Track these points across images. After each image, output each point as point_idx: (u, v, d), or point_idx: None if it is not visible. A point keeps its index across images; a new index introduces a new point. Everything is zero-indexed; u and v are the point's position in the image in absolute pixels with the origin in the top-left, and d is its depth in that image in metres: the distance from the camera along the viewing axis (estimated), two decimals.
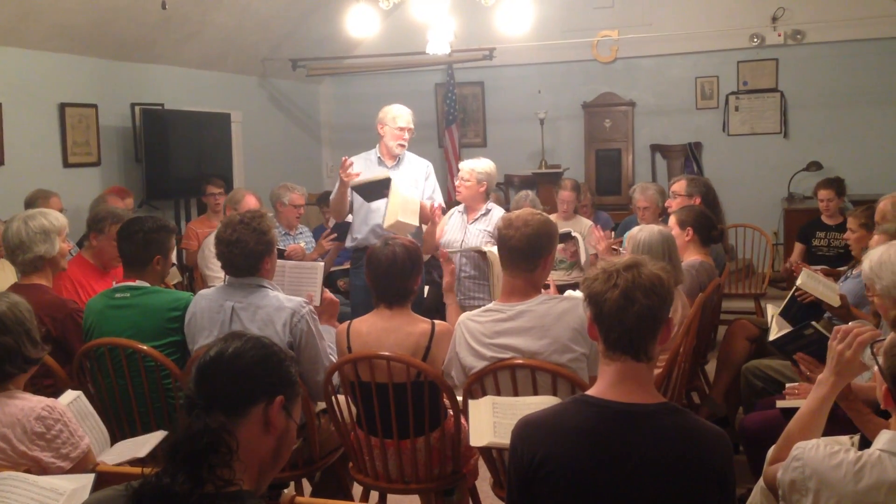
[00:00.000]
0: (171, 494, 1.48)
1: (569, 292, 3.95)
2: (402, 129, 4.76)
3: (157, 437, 2.83)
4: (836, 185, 5.95)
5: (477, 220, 4.83)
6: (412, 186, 4.80)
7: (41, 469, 2.35)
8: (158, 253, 3.38)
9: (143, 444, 2.78)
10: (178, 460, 1.50)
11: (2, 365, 2.43)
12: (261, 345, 1.70)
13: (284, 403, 1.67)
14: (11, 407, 2.38)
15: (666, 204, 5.23)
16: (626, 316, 1.88)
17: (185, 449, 1.51)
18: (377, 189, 4.64)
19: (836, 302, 3.58)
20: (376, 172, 4.75)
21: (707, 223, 4.36)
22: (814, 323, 2.89)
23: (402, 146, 4.80)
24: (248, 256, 3.11)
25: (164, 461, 1.52)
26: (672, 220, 4.37)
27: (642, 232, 3.77)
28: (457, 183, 4.96)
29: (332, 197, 4.98)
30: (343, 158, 4.63)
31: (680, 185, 5.25)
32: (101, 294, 3.44)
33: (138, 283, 3.34)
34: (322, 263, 4.04)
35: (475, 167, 4.85)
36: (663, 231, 3.81)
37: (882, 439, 1.93)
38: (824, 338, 2.75)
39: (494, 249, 4.16)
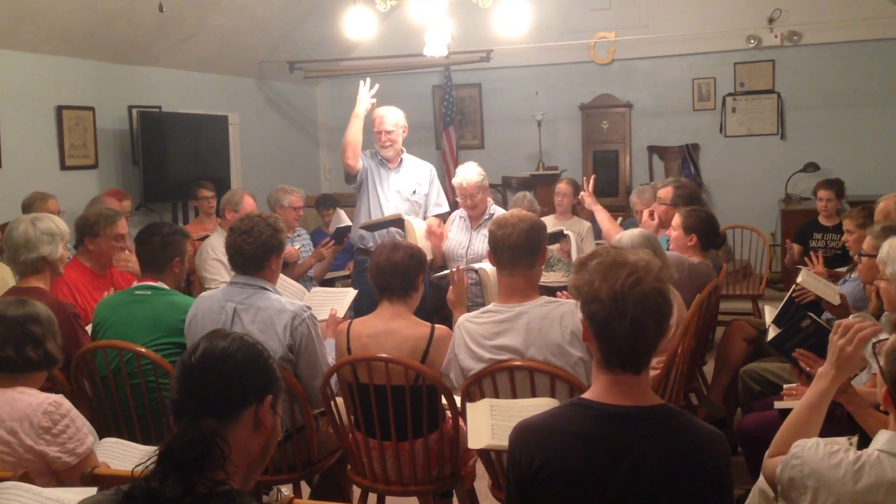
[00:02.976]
0: (162, 500, 1.46)
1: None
2: (378, 131, 4.77)
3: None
4: (836, 185, 5.95)
5: (481, 225, 4.76)
6: (413, 190, 4.85)
7: (46, 464, 2.38)
8: (177, 255, 3.52)
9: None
10: (169, 465, 1.49)
11: (25, 348, 2.51)
12: (247, 344, 1.67)
13: (272, 402, 1.66)
14: (19, 402, 2.42)
15: (651, 209, 5.10)
16: (637, 343, 1.85)
17: (178, 456, 1.49)
18: (386, 226, 4.72)
19: (836, 300, 3.58)
20: (381, 172, 4.84)
21: (712, 230, 4.35)
22: (811, 314, 2.86)
23: (385, 147, 4.80)
24: (259, 247, 3.13)
25: (155, 464, 1.50)
26: (676, 221, 4.35)
27: (624, 237, 3.78)
28: (467, 203, 4.82)
29: (347, 134, 4.76)
30: (364, 81, 4.63)
31: (666, 193, 5.01)
32: (121, 292, 3.61)
33: (159, 283, 3.46)
34: (355, 291, 3.99)
35: (479, 181, 4.73)
36: (644, 232, 3.83)
37: (881, 440, 1.93)
38: (823, 329, 2.72)
39: (486, 266, 4.14)
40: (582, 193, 5.35)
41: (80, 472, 2.39)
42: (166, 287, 3.47)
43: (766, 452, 2.20)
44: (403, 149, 4.92)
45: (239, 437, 1.59)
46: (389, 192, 4.86)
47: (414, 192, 4.88)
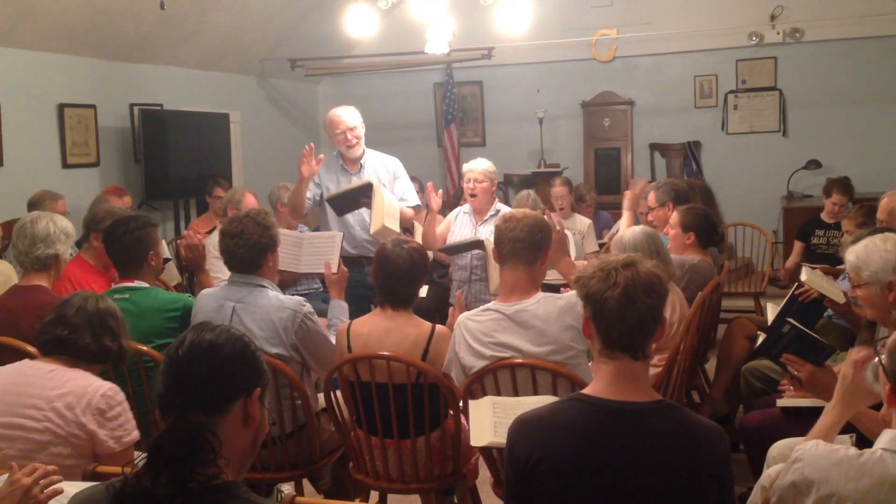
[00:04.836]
0: (155, 499, 1.45)
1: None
2: (342, 131, 4.61)
3: None
4: (851, 191, 5.86)
5: (486, 221, 4.73)
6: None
7: (91, 445, 2.43)
8: (150, 249, 3.42)
9: None
10: (159, 462, 1.47)
11: (103, 338, 2.62)
12: (234, 337, 1.65)
13: (260, 395, 1.65)
14: (81, 380, 2.50)
15: (649, 218, 5.07)
16: (627, 314, 1.89)
17: (168, 453, 1.48)
18: (355, 197, 4.51)
19: (840, 299, 3.57)
20: (341, 182, 4.66)
21: (709, 228, 4.35)
22: (789, 319, 2.87)
23: (353, 146, 4.64)
24: (252, 249, 3.13)
25: (146, 461, 1.49)
26: (674, 219, 4.36)
27: (626, 234, 3.78)
28: (469, 187, 4.76)
29: (289, 194, 4.81)
30: (307, 146, 4.45)
31: (651, 198, 5.02)
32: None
33: (136, 283, 3.37)
34: (341, 233, 4.09)
35: (486, 168, 4.73)
36: (646, 230, 3.83)
37: (884, 438, 1.93)
38: (803, 333, 2.75)
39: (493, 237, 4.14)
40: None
41: (120, 462, 2.42)
42: (145, 285, 3.37)
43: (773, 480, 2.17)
44: (365, 147, 4.77)
45: (228, 431, 1.58)
46: None
47: None
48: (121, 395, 2.52)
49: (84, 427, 2.42)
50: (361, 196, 4.50)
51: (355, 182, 4.57)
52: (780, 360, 2.80)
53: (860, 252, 2.95)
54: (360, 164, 4.72)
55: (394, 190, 4.73)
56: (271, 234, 3.18)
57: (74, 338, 2.56)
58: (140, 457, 1.51)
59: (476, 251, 4.63)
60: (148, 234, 3.42)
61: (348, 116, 4.67)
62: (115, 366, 2.72)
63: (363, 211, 4.61)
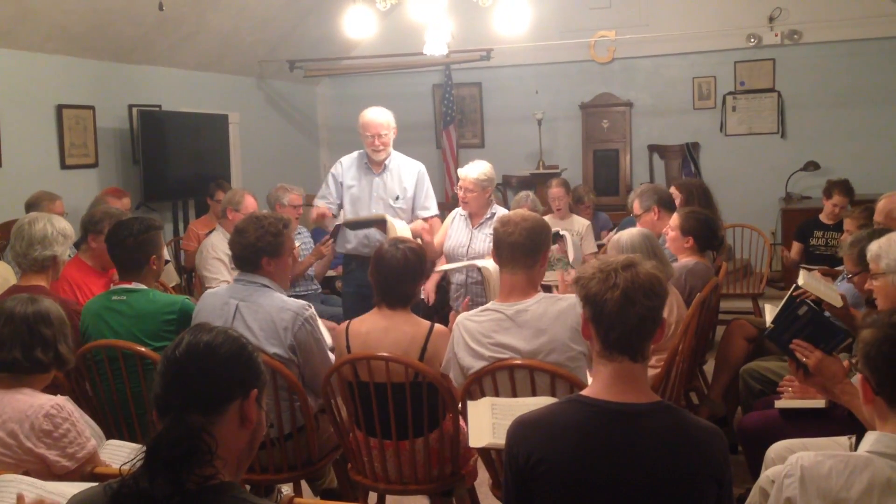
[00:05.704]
0: (152, 500, 1.46)
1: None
2: (372, 135, 4.64)
3: None
4: (852, 193, 5.87)
5: (482, 224, 4.71)
6: (397, 195, 4.71)
7: (45, 467, 2.35)
8: (153, 253, 3.41)
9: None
10: (157, 463, 1.48)
11: (34, 350, 2.47)
12: (232, 338, 1.66)
13: (257, 396, 1.65)
14: (21, 403, 2.39)
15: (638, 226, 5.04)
16: (627, 316, 1.89)
17: (166, 454, 1.48)
18: (369, 225, 4.58)
19: (838, 302, 3.56)
20: (362, 179, 4.72)
21: (710, 234, 4.32)
22: (807, 300, 2.84)
23: (379, 151, 4.67)
24: (245, 248, 3.17)
25: (143, 461, 1.50)
26: (674, 221, 4.35)
27: (623, 236, 3.78)
28: (460, 194, 4.77)
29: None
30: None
31: (635, 206, 4.98)
32: (99, 296, 3.45)
33: (135, 285, 3.36)
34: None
35: (477, 176, 4.68)
36: (643, 231, 3.83)
37: (868, 441, 1.93)
38: (819, 317, 2.72)
39: (489, 265, 4.13)
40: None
41: (79, 476, 2.37)
42: (143, 287, 3.34)
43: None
44: (392, 150, 4.80)
45: (225, 431, 1.58)
46: (371, 200, 4.72)
47: (398, 197, 4.73)
48: (67, 409, 2.40)
49: (32, 452, 2.33)
50: (375, 225, 4.57)
51: (372, 214, 4.63)
52: (788, 347, 2.75)
53: (883, 243, 3.01)
54: (385, 165, 4.75)
55: (416, 195, 4.77)
56: (269, 240, 3.16)
57: (2, 355, 2.43)
58: (137, 456, 1.51)
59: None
60: (151, 238, 3.40)
61: (381, 121, 4.67)
62: (58, 372, 2.60)
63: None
